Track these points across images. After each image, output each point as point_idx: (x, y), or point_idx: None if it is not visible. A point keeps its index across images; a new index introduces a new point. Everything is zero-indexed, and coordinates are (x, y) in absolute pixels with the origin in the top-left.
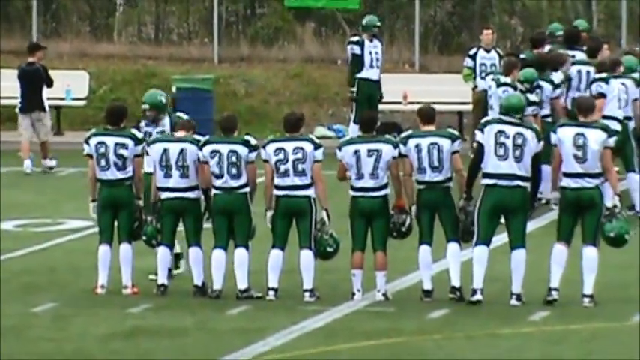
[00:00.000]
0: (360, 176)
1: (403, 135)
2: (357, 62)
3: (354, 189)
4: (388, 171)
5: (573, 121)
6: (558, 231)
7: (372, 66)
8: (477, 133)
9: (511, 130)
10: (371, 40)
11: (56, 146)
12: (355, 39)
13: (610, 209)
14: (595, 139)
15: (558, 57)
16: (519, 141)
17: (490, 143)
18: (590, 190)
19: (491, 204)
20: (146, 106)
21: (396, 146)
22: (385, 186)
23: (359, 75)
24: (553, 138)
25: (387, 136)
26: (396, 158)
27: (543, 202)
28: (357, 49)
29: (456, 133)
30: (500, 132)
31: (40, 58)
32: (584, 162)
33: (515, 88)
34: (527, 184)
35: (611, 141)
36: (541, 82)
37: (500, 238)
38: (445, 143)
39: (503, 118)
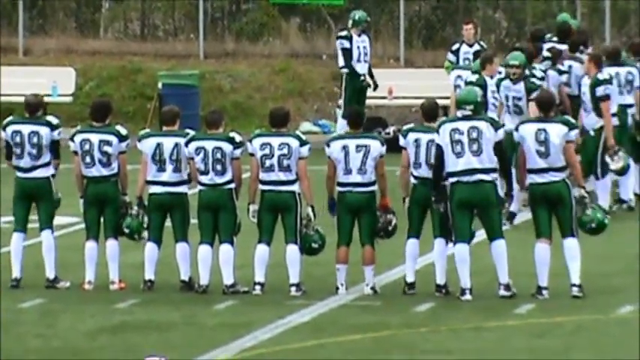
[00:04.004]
0: (347, 171)
1: (405, 127)
2: (347, 56)
3: (341, 184)
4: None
5: (534, 117)
6: (536, 228)
7: (359, 60)
8: (435, 135)
9: (464, 126)
10: (359, 35)
11: None
12: (344, 33)
13: (579, 199)
14: (556, 132)
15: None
16: (474, 134)
17: (446, 142)
18: (557, 183)
19: (457, 200)
20: None
21: (383, 143)
22: (373, 182)
23: (346, 70)
24: (515, 135)
25: (375, 133)
26: (383, 156)
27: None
28: (346, 44)
29: None
30: (454, 130)
31: None
32: (547, 156)
33: (482, 87)
34: (491, 176)
35: (573, 134)
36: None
37: (482, 232)
38: None
39: (457, 114)
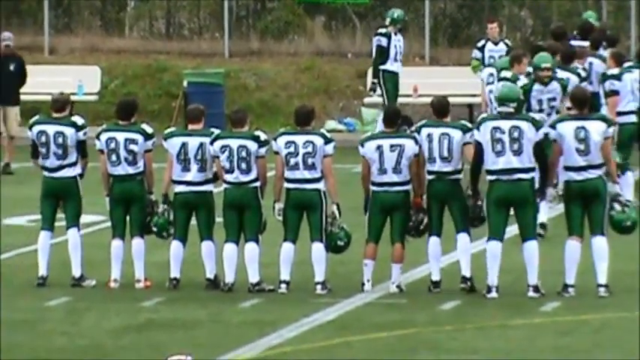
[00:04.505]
0: (382, 171)
1: (416, 125)
2: (382, 54)
3: (375, 184)
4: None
5: (571, 115)
6: (569, 225)
7: (395, 59)
8: (474, 131)
9: (506, 125)
10: (395, 34)
11: None
12: (383, 31)
13: (614, 196)
14: (596, 130)
15: (582, 50)
16: (516, 134)
17: (487, 140)
18: (594, 180)
19: (495, 198)
20: None
21: (417, 142)
22: (408, 181)
23: (383, 67)
24: (552, 134)
25: (409, 132)
26: (418, 155)
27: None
28: (384, 41)
29: (469, 124)
30: (496, 128)
31: None
32: (588, 154)
33: (514, 82)
34: (530, 175)
35: (611, 131)
36: (567, 74)
37: (511, 230)
38: (456, 134)
39: (499, 111)
